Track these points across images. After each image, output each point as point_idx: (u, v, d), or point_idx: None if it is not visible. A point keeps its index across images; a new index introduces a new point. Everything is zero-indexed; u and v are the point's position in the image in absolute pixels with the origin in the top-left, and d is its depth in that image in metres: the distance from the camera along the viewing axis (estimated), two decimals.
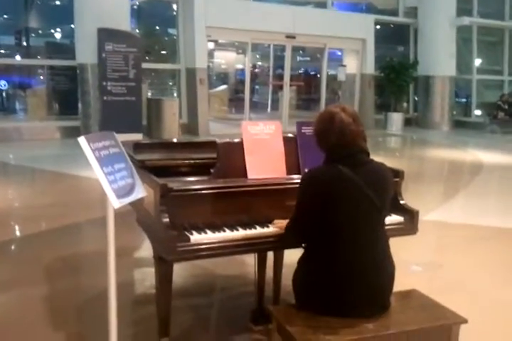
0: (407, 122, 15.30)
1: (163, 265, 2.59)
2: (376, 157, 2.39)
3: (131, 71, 9.90)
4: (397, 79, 14.59)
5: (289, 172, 2.87)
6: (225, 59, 21.29)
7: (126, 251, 4.26)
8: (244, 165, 2.76)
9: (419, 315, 2.27)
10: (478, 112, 17.23)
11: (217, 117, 15.25)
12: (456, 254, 4.61)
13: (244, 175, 2.75)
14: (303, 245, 2.41)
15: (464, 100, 17.79)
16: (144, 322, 3.07)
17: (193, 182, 2.67)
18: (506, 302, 3.62)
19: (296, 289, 2.34)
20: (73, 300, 3.43)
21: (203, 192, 2.54)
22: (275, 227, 2.55)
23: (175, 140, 3.42)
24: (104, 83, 9.81)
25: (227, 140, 2.76)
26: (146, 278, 3.75)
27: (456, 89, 16.48)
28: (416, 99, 16.73)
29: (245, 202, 2.63)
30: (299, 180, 2.75)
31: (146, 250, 4.01)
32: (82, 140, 1.87)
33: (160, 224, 2.42)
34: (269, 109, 18.82)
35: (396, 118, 14.77)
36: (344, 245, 2.18)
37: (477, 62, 17.15)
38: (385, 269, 2.27)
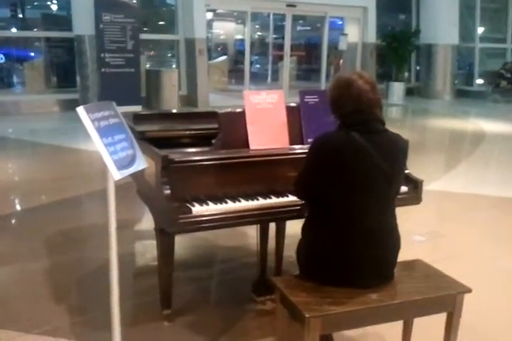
0: (409, 92, 15.13)
1: (164, 237, 2.58)
2: None
3: (129, 42, 9.74)
4: (399, 48, 14.38)
5: (292, 142, 2.83)
6: (224, 29, 21.00)
7: (127, 224, 4.27)
8: (247, 136, 2.71)
9: (423, 285, 2.26)
10: (480, 81, 17.06)
11: (217, 89, 15.10)
12: (459, 224, 4.61)
13: (247, 145, 2.71)
14: (305, 214, 2.39)
15: (466, 69, 17.57)
16: (146, 294, 3.08)
17: (195, 154, 2.63)
18: (509, 270, 3.63)
19: (300, 258, 2.32)
20: (75, 273, 3.44)
21: (205, 163, 2.51)
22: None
23: (175, 110, 3.37)
24: (102, 55, 9.67)
25: (229, 110, 2.71)
26: (147, 250, 3.74)
27: (458, 58, 16.27)
28: (417, 68, 16.53)
29: (247, 174, 2.60)
30: (302, 151, 2.74)
31: (147, 222, 4.00)
32: (80, 110, 1.83)
33: (161, 196, 2.39)
34: (269, 80, 18.65)
35: (397, 88, 14.60)
36: (351, 213, 2.15)
37: (480, 30, 16.89)
38: (392, 239, 2.25)
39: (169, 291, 2.73)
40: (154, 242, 2.77)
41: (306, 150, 2.70)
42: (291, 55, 14.38)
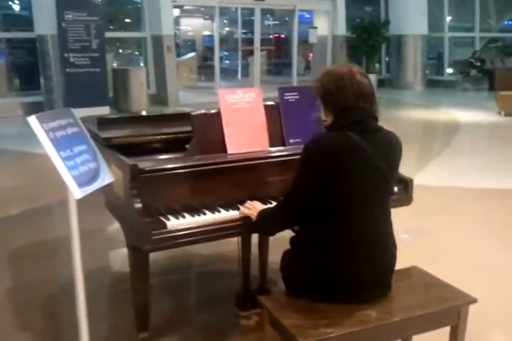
0: (380, 83, 15.06)
1: (137, 254, 2.34)
2: None
3: (93, 41, 9.37)
4: (369, 39, 14.30)
5: (272, 144, 2.61)
6: (192, 26, 20.69)
7: (96, 235, 4.00)
8: (223, 139, 2.48)
9: (425, 297, 2.07)
10: (450, 70, 17.08)
11: (187, 86, 14.79)
12: (442, 219, 4.45)
13: (224, 149, 2.48)
14: (294, 228, 2.18)
15: (435, 59, 17.57)
16: (120, 315, 2.83)
17: (167, 161, 2.39)
18: (504, 266, 3.48)
19: (289, 274, 2.11)
20: (40, 292, 3.16)
21: (179, 171, 2.28)
22: (243, 211, 2.26)
23: (144, 113, 3.12)
24: (66, 55, 9.29)
25: (203, 111, 2.47)
26: (120, 264, 3.49)
27: (427, 48, 16.25)
28: (387, 59, 16.47)
29: (226, 181, 2.38)
30: (284, 153, 2.53)
31: (119, 232, 3.74)
32: (32, 120, 1.58)
33: (132, 210, 2.15)
34: (239, 76, 18.39)
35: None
36: (350, 221, 1.94)
37: (448, 19, 16.89)
38: (390, 246, 2.05)
39: (145, 313, 2.49)
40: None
41: (288, 153, 2.53)
42: (261, 50, 14.14)
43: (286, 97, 2.67)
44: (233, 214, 2.29)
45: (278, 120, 2.65)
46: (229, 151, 2.48)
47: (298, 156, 2.45)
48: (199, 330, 2.72)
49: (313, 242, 2.00)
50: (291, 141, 2.65)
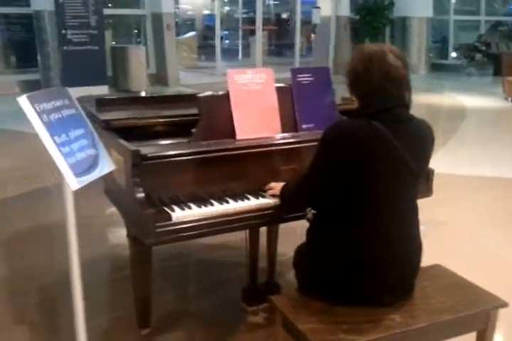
0: None
1: (139, 247, 2.16)
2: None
3: (92, 17, 9.06)
4: (373, 21, 13.98)
5: (284, 129, 2.42)
6: (191, 4, 20.28)
7: (96, 221, 3.83)
8: (232, 123, 2.29)
9: (451, 300, 1.91)
10: (454, 54, 16.81)
11: (187, 66, 14.48)
12: (457, 209, 4.29)
13: (232, 135, 2.29)
14: (308, 217, 1.99)
15: (440, 42, 17.27)
16: (121, 308, 2.67)
17: (172, 147, 2.19)
18: None
19: (304, 273, 1.94)
20: (37, 279, 2.99)
21: (185, 158, 2.09)
22: (270, 196, 2.13)
23: (147, 94, 2.91)
24: (64, 31, 8.98)
25: (210, 93, 2.28)
26: (122, 253, 3.31)
27: (432, 31, 15.96)
28: (391, 42, 16.17)
29: (235, 169, 2.20)
30: (298, 139, 2.34)
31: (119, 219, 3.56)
32: (23, 100, 1.39)
33: (134, 199, 1.97)
34: (240, 56, 18.09)
35: None
36: (373, 217, 1.77)
37: (453, 1, 16.56)
38: (416, 246, 1.88)
39: (147, 309, 2.33)
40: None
41: (303, 139, 2.35)
42: (263, 30, 13.83)
43: (299, 79, 2.48)
44: (243, 205, 2.11)
45: (290, 103, 2.45)
46: (238, 137, 2.29)
47: (312, 143, 2.33)
48: (204, 326, 2.57)
49: (332, 239, 1.82)
50: (304, 126, 2.46)
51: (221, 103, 2.28)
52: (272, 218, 2.15)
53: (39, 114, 1.40)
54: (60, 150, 1.41)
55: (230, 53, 17.57)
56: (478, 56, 15.53)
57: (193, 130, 2.23)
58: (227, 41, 19.75)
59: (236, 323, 2.56)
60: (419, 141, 1.81)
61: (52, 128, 1.42)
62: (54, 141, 1.41)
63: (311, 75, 2.48)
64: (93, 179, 1.49)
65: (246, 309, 2.61)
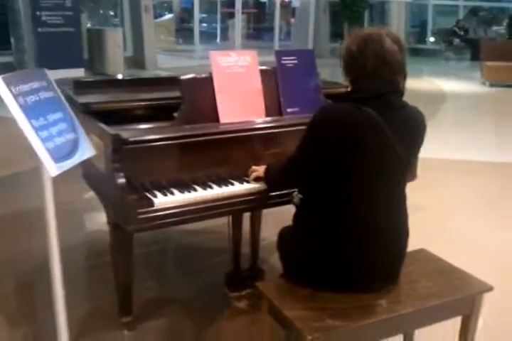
0: None
1: (120, 234, 2.11)
2: None
3: None
4: (352, 4, 13.92)
5: (268, 113, 2.38)
6: None
7: (74, 207, 3.75)
8: (215, 107, 2.24)
9: (437, 285, 1.89)
10: (432, 39, 16.86)
11: (164, 49, 14.28)
12: (440, 193, 4.31)
13: (216, 118, 2.24)
14: (294, 201, 1.96)
15: (418, 27, 17.30)
16: (101, 296, 2.62)
17: (153, 131, 2.13)
18: (498, 245, 3.35)
19: (290, 258, 1.91)
20: (14, 267, 2.93)
21: (168, 142, 2.03)
22: (253, 181, 2.10)
23: (126, 76, 2.83)
24: (38, 13, 8.75)
25: (193, 75, 2.22)
26: (101, 239, 3.26)
27: (410, 16, 15.98)
28: (370, 26, 16.13)
29: (219, 153, 2.15)
30: (283, 123, 2.30)
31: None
32: None
33: (114, 185, 1.91)
34: (218, 39, 17.91)
35: None
36: (362, 203, 1.74)
37: None
38: (404, 234, 1.86)
39: (128, 296, 2.28)
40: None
41: (288, 123, 2.31)
42: (242, 13, 13.68)
43: (283, 62, 2.43)
44: (227, 190, 2.07)
45: (274, 87, 2.40)
46: (221, 120, 2.24)
47: (297, 127, 2.29)
48: (186, 312, 2.53)
49: (318, 225, 1.79)
50: (288, 110, 2.42)
51: (204, 86, 2.22)
52: (256, 203, 2.12)
53: (15, 96, 1.33)
54: (38, 135, 1.35)
55: (207, 36, 17.38)
56: (456, 41, 15.62)
57: (176, 114, 2.17)
58: (204, 24, 19.51)
59: (219, 309, 2.53)
60: (411, 128, 1.78)
61: (29, 111, 1.36)
62: (31, 124, 1.34)
63: (295, 58, 2.43)
64: (73, 164, 1.43)
65: (229, 295, 2.59)
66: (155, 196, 1.97)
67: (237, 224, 2.59)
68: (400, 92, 1.76)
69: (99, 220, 3.38)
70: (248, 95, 2.30)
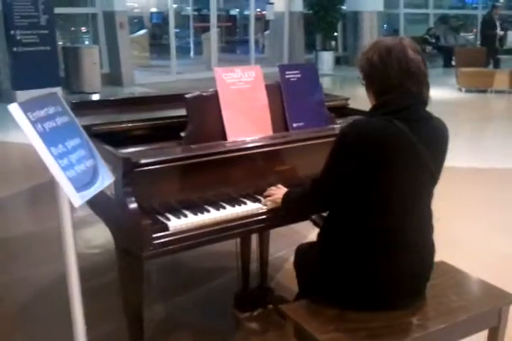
0: (337, 61, 14.87)
1: (130, 259, 2.02)
2: None
3: (42, 17, 8.69)
4: (326, 16, 14.01)
5: (274, 128, 2.33)
6: (138, 2, 19.90)
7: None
8: (222, 125, 2.18)
9: (463, 298, 1.86)
10: None
11: (139, 65, 14.17)
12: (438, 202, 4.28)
13: (223, 136, 2.18)
14: (316, 220, 1.91)
15: (391, 36, 17.50)
16: (112, 320, 2.52)
17: (163, 152, 2.06)
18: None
19: (314, 276, 1.85)
20: (18, 297, 2.81)
21: (178, 163, 1.97)
22: (268, 202, 2.03)
23: (127, 96, 2.77)
24: (13, 32, 8.59)
25: (198, 93, 2.16)
26: (102, 262, 3.16)
27: (383, 25, 16.16)
28: (343, 37, 16.28)
29: (230, 172, 2.09)
30: (291, 139, 2.25)
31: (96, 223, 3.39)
32: (14, 108, 1.24)
33: (126, 210, 1.83)
34: (192, 54, 17.86)
35: (326, 58, 14.28)
36: (392, 222, 1.69)
37: None
38: (430, 250, 1.82)
39: (139, 323, 2.19)
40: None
41: (296, 138, 2.26)
42: (218, 26, 13.68)
43: (287, 76, 2.38)
44: (240, 210, 2.01)
45: (279, 102, 2.36)
46: (229, 138, 2.18)
47: (306, 142, 2.25)
48: (195, 335, 2.45)
49: (347, 242, 1.74)
50: (294, 125, 2.37)
51: (210, 103, 2.17)
52: (273, 221, 2.05)
53: (33, 123, 1.26)
54: (59, 163, 1.27)
55: (181, 51, 17.29)
56: (429, 48, 15.82)
57: (183, 133, 2.11)
58: (176, 39, 19.46)
59: (229, 331, 2.46)
60: (439, 140, 1.74)
61: (48, 138, 1.28)
62: (51, 152, 1.27)
63: (299, 72, 2.39)
64: (95, 193, 1.36)
65: (239, 316, 2.52)
66: (168, 219, 1.90)
67: (245, 242, 2.53)
68: (425, 103, 1.73)
69: (96, 242, 3.29)
70: (255, 111, 2.25)
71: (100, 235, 3.31)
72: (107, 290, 2.71)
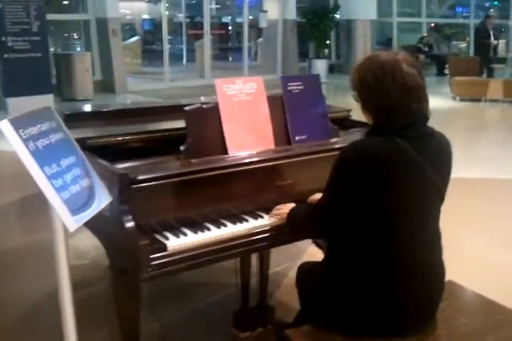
0: (330, 69, 14.85)
1: (126, 280, 1.92)
2: None
3: (34, 23, 8.58)
4: (319, 24, 14.00)
5: (276, 142, 2.24)
6: (130, 9, 19.85)
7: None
8: (223, 138, 2.09)
9: (475, 322, 1.78)
10: None
11: (132, 72, 14.07)
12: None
13: (224, 150, 2.09)
14: (318, 242, 1.83)
15: (384, 44, 17.54)
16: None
17: (161, 167, 1.96)
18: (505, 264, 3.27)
19: (319, 299, 1.76)
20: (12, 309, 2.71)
21: (177, 179, 1.88)
22: (275, 218, 1.94)
23: (123, 106, 2.68)
24: (4, 38, 8.46)
25: (198, 105, 2.07)
26: (91, 280, 3.05)
27: (376, 33, 16.18)
28: (336, 45, 16.28)
29: (231, 187, 2.01)
30: (294, 153, 2.17)
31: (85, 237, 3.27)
32: (4, 126, 1.15)
33: (121, 229, 1.74)
34: (184, 61, 17.79)
35: (320, 66, 14.25)
36: (401, 241, 1.60)
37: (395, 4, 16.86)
38: (441, 273, 1.73)
39: None
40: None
41: (299, 152, 2.18)
42: (211, 34, 13.62)
43: (290, 88, 2.30)
44: (241, 228, 1.92)
45: (281, 114, 2.27)
46: (230, 153, 2.09)
47: (309, 156, 2.17)
48: None
49: (353, 265, 1.65)
50: (297, 138, 2.29)
51: (210, 116, 2.08)
52: (276, 239, 1.96)
53: (25, 141, 1.17)
54: (52, 184, 1.18)
55: (173, 58, 17.22)
56: (422, 57, 15.83)
57: (182, 147, 2.02)
58: (169, 46, 19.40)
59: None
60: (443, 156, 1.67)
61: (41, 157, 1.19)
62: (44, 172, 1.18)
63: (301, 83, 2.31)
64: (91, 216, 1.26)
65: (238, 335, 2.42)
66: (166, 238, 1.80)
67: (245, 259, 2.44)
68: (426, 119, 1.65)
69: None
70: (256, 124, 2.16)
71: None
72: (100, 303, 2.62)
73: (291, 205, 1.91)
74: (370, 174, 1.53)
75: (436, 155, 1.62)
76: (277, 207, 1.97)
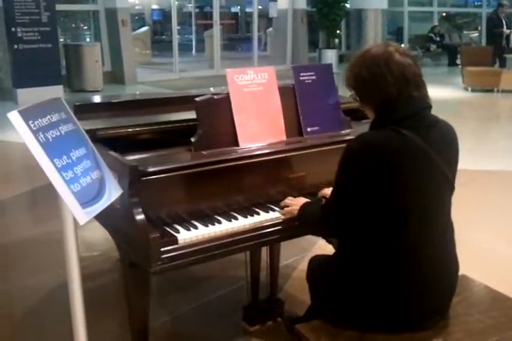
0: (340, 59, 14.73)
1: (137, 273, 1.91)
2: None
3: (43, 14, 8.56)
4: (329, 13, 13.87)
5: (288, 133, 2.21)
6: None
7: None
8: (234, 129, 2.07)
9: (490, 318, 1.75)
10: (407, 46, 16.92)
11: (141, 62, 14.04)
12: None
13: (235, 142, 2.07)
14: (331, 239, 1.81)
15: (395, 34, 17.38)
16: (113, 333, 2.42)
17: (171, 159, 1.94)
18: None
19: (328, 297, 1.74)
20: (20, 302, 2.71)
21: (188, 171, 1.85)
22: (285, 213, 1.92)
23: (133, 97, 2.65)
24: (13, 29, 8.46)
25: (209, 96, 2.04)
26: (100, 274, 3.05)
27: (387, 23, 16.03)
28: (347, 34, 16.15)
29: (242, 180, 1.99)
30: (305, 145, 2.14)
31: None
32: (14, 116, 1.13)
33: (132, 222, 1.72)
34: (193, 51, 17.73)
35: (330, 56, 14.13)
36: (415, 234, 1.57)
37: None
38: (455, 262, 1.71)
39: (144, 335, 2.08)
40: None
41: (311, 144, 2.15)
42: (220, 24, 13.56)
43: (302, 78, 2.27)
44: (253, 221, 1.90)
45: (293, 105, 2.24)
46: (241, 144, 2.07)
47: (322, 148, 2.14)
48: None
49: (367, 260, 1.62)
50: (308, 129, 2.26)
51: (221, 107, 2.05)
52: (287, 233, 1.94)
53: (34, 132, 1.14)
54: (63, 176, 1.16)
55: (182, 48, 17.18)
56: (433, 47, 15.69)
57: (193, 139, 1.99)
58: (178, 36, 19.34)
59: None
60: (449, 145, 1.64)
61: (51, 149, 1.17)
62: (54, 164, 1.16)
63: (314, 73, 2.28)
64: (102, 208, 1.24)
65: (248, 329, 2.41)
66: (177, 231, 1.78)
67: (255, 252, 2.42)
68: (430, 107, 1.62)
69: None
70: (267, 115, 2.13)
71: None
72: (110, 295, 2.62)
73: (302, 201, 1.88)
74: (378, 166, 1.50)
75: (444, 144, 1.60)
76: (287, 201, 1.94)
